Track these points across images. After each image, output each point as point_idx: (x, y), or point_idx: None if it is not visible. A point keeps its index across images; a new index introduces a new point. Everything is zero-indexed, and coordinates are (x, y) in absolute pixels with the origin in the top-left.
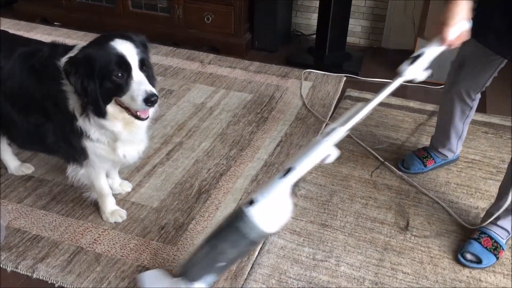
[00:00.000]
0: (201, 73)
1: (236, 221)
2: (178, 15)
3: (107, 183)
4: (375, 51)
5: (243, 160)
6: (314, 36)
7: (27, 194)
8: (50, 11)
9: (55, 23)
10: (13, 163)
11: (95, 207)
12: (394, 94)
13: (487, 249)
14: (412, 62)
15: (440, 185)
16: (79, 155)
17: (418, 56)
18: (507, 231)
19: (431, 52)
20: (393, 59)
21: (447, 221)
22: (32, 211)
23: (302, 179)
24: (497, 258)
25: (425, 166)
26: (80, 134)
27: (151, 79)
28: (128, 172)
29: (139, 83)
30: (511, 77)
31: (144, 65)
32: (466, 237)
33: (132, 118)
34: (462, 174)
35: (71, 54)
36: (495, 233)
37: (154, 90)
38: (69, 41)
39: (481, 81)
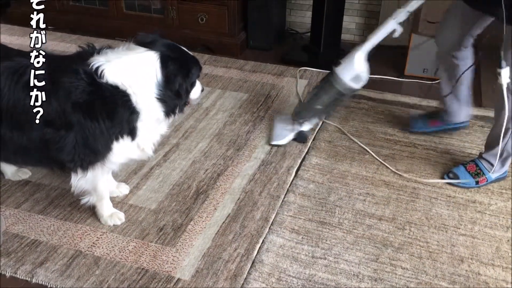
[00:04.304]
0: None
1: (328, 75)
2: (172, 16)
3: (107, 186)
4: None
5: (240, 160)
6: (309, 34)
7: (25, 199)
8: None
9: (48, 27)
10: (9, 168)
11: (93, 210)
12: (390, 90)
13: (469, 173)
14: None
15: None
16: (96, 159)
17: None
18: (491, 164)
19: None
20: (388, 55)
21: (445, 216)
22: (30, 216)
23: (300, 177)
24: (477, 183)
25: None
26: (111, 139)
27: None
28: (126, 174)
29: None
30: None
31: None
32: (465, 231)
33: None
34: None
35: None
36: (482, 163)
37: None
38: (63, 45)
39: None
